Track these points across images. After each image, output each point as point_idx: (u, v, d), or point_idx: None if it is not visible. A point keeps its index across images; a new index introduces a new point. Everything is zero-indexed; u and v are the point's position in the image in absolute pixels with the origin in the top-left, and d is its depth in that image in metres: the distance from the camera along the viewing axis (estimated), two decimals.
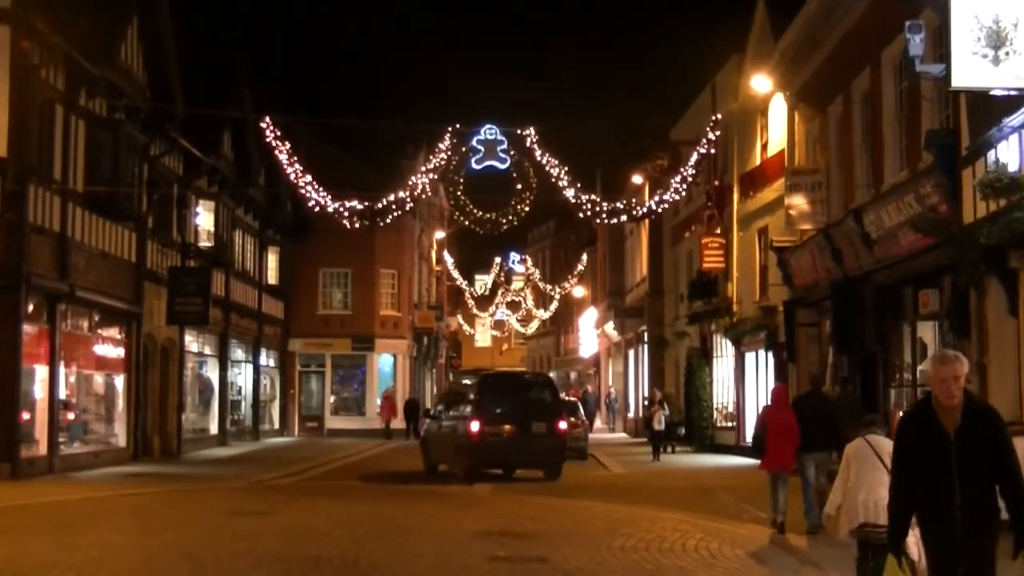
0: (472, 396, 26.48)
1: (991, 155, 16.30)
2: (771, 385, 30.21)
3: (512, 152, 31.55)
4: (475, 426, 25.42)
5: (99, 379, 29.45)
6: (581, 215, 32.81)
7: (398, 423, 49.20)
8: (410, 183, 32.03)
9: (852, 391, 22.11)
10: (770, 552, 14.28)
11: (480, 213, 33.86)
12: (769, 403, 17.73)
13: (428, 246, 65.88)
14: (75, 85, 26.32)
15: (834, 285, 24.08)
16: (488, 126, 31.28)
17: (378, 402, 51.83)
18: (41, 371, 25.44)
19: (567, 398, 46.79)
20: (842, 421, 16.31)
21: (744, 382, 34.90)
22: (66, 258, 25.91)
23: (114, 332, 30.16)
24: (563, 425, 26.78)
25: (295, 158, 31.29)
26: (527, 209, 32.92)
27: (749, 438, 21.53)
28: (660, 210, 33.48)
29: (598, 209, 31.66)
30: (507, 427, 25.67)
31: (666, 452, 34.28)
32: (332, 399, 52.65)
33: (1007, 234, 15.36)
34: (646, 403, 46.35)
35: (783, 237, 28.63)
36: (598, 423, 55.30)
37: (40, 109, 24.91)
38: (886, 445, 9.60)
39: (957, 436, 6.52)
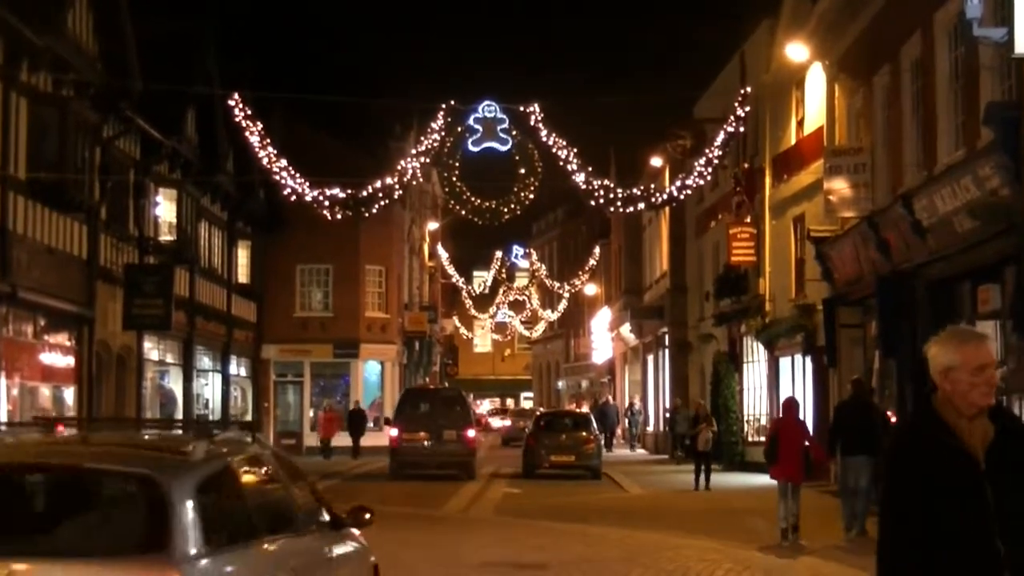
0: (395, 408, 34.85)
1: None
2: (810, 395, 30.24)
3: (514, 132, 31.44)
4: (393, 432, 34.79)
5: (45, 392, 29.29)
6: (593, 203, 32.70)
7: (344, 440, 47.83)
8: (399, 168, 31.92)
9: (866, 392, 22.30)
10: None
11: (478, 201, 33.76)
12: (780, 415, 20.91)
13: (420, 239, 65.79)
14: (15, 56, 26.16)
15: (880, 280, 23.97)
16: (487, 103, 31.18)
17: (311, 414, 51.15)
18: None
19: (579, 410, 46.79)
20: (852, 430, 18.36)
21: (778, 391, 34.77)
22: (6, 254, 25.77)
23: (62, 339, 30.02)
24: (471, 433, 34.94)
25: (268, 140, 31.18)
26: (531, 197, 32.82)
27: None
28: (682, 197, 33.35)
29: (612, 196, 31.53)
30: (422, 434, 34.32)
31: (706, 478, 29.98)
32: (311, 413, 52.57)
33: None
34: (667, 415, 46.30)
35: (822, 226, 28.51)
36: (619, 439, 55.12)
37: None
38: None
39: (989, 459, 4.69)
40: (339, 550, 8.32)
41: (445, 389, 42.79)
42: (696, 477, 29.75)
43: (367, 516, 8.63)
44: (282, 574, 7.20)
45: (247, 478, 7.55)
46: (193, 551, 6.25)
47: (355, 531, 8.74)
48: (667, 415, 53.17)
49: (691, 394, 46.49)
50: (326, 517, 8.35)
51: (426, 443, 34.37)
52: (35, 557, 6.25)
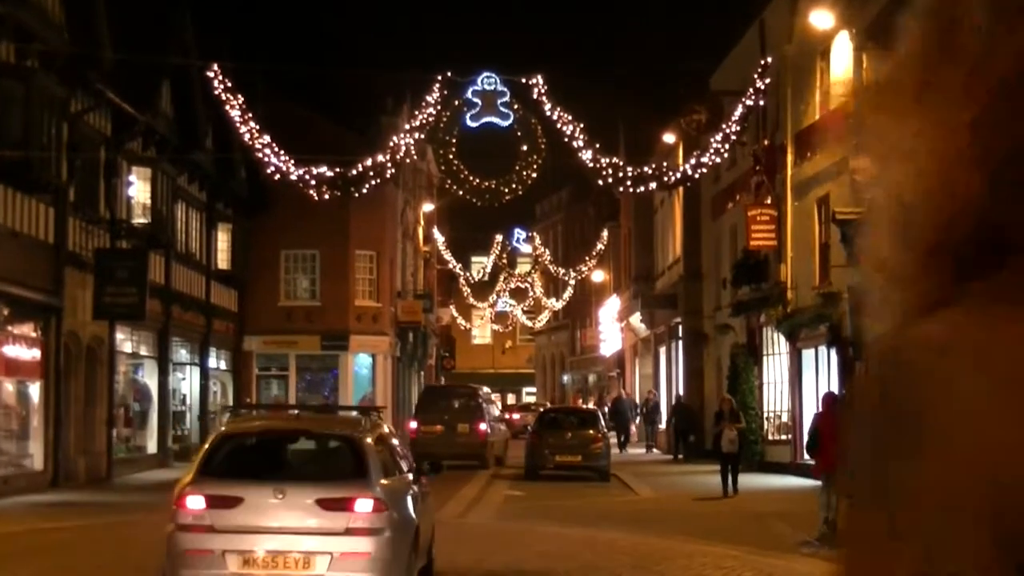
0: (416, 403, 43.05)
1: None
2: (837, 391, 30.18)
3: (516, 106, 31.43)
4: (412, 425, 40.61)
5: (9, 387, 29.30)
6: (600, 182, 32.70)
7: None
8: (391, 145, 31.90)
9: None
10: None
11: (477, 181, 33.76)
12: (820, 410, 22.29)
13: (414, 222, 65.73)
14: None
15: None
16: (486, 75, 31.17)
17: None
18: None
19: (587, 407, 46.77)
20: None
21: (801, 386, 34.72)
22: None
23: (27, 329, 30.00)
24: (483, 427, 39.43)
25: (250, 115, 31.18)
26: (535, 176, 32.82)
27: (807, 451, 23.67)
28: (697, 176, 33.32)
29: (621, 175, 31.51)
30: (438, 427, 39.16)
31: (734, 481, 29.05)
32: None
33: None
34: (642, 409, 46.46)
35: (848, 208, 28.44)
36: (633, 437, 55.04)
37: None
38: None
39: None
40: (424, 487, 15.10)
41: (462, 387, 46.69)
42: (724, 481, 28.67)
43: (432, 468, 18.33)
44: (409, 493, 13.83)
45: (386, 439, 14.47)
46: (375, 478, 13.03)
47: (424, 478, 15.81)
48: (642, 409, 53.25)
49: (706, 389, 46.46)
50: (414, 466, 15.05)
51: (441, 434, 39.10)
52: (295, 481, 13.31)
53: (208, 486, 12.93)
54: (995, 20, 1.07)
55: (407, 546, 13.19)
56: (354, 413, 17.57)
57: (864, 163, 1.18)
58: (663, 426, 51.41)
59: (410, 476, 14.50)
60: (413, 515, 13.62)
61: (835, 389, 26.02)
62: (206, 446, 14.09)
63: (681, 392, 50.08)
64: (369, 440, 13.60)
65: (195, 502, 12.82)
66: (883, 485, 1.07)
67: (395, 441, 15.06)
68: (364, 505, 12.66)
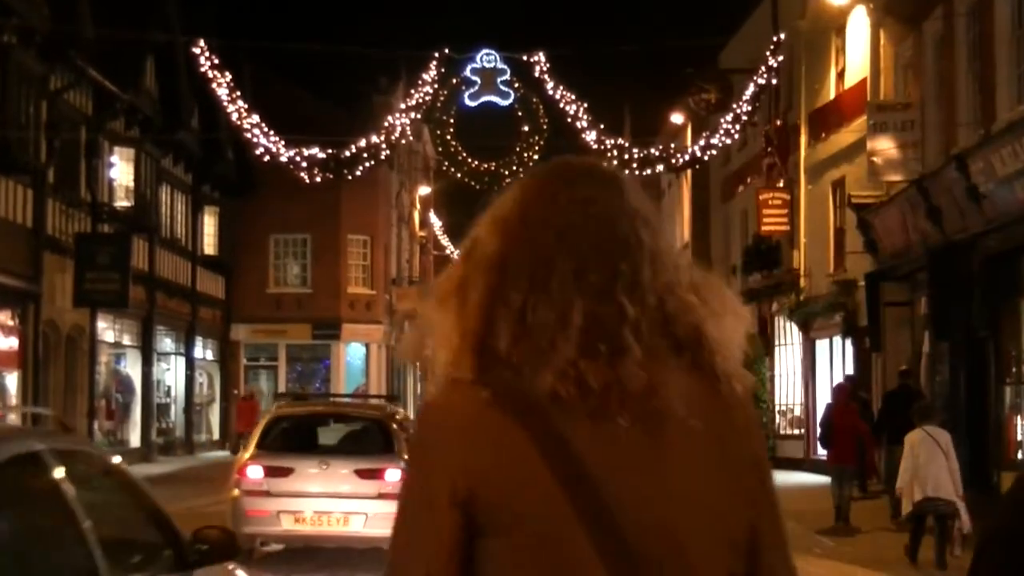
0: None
1: None
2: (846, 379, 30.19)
3: (516, 85, 31.38)
4: None
5: None
6: (605, 165, 32.63)
7: None
8: (386, 125, 31.85)
9: (914, 385, 23.26)
10: None
11: (476, 163, 33.72)
12: (831, 400, 23.08)
13: (409, 205, 65.73)
14: None
15: (931, 253, 23.92)
16: (485, 52, 31.10)
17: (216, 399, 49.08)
18: None
19: None
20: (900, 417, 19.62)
21: (815, 377, 34.73)
22: None
23: (4, 317, 30.01)
24: None
25: (238, 94, 31.11)
26: (536, 158, 32.75)
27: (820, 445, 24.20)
28: (706, 158, 33.28)
29: (627, 157, 31.47)
30: None
31: None
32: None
33: None
34: None
35: (864, 191, 28.44)
36: None
37: None
38: (942, 436, 16.75)
39: None
40: None
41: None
42: None
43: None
44: None
45: (403, 422, 17.35)
46: (401, 452, 15.57)
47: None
48: None
49: None
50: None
51: None
52: (336, 455, 16.73)
53: (265, 459, 16.52)
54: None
55: None
56: (380, 400, 24.02)
57: (412, 331, 2.47)
58: None
59: None
60: None
61: (853, 381, 25.97)
62: (260, 427, 17.79)
63: None
64: (393, 422, 17.32)
65: (254, 472, 16.38)
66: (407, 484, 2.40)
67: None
68: (393, 475, 15.59)
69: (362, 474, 15.96)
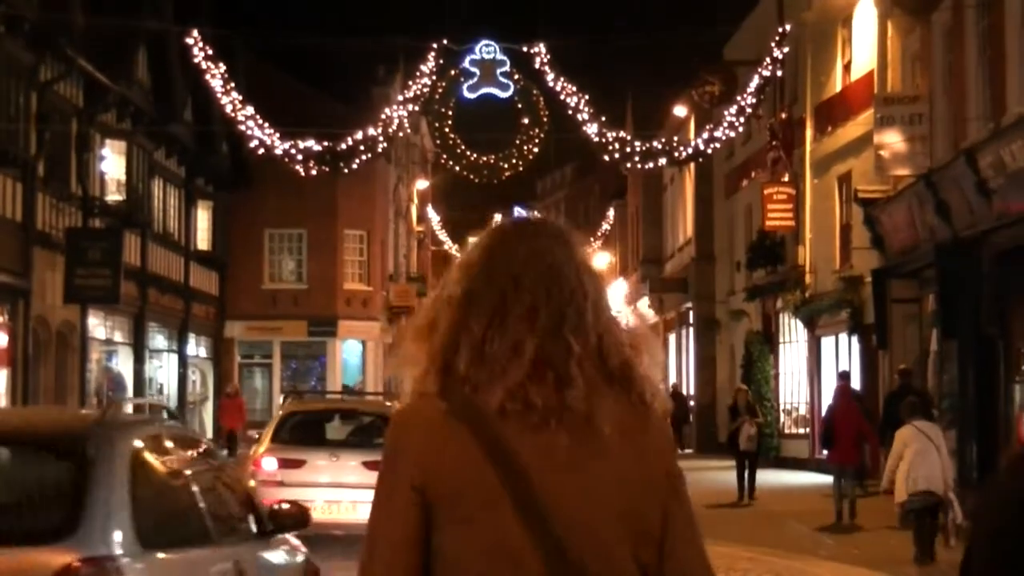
0: None
1: None
2: (856, 380, 30.20)
3: (516, 76, 31.33)
4: None
5: None
6: (607, 158, 32.61)
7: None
8: (383, 117, 31.81)
9: (915, 385, 23.65)
10: None
11: (475, 156, 33.65)
12: (832, 401, 23.68)
13: (407, 200, 65.68)
14: None
15: (939, 249, 23.90)
16: (485, 42, 31.07)
17: (281, 400, 48.42)
18: None
19: None
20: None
21: (820, 375, 34.73)
22: None
23: None
24: None
25: (232, 85, 31.07)
26: (536, 151, 32.71)
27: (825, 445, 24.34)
28: (710, 151, 33.26)
29: (629, 150, 31.44)
30: None
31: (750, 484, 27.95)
32: (281, 399, 52.52)
33: None
34: (670, 396, 46.35)
35: (871, 186, 28.45)
36: None
37: None
38: (932, 430, 17.35)
39: None
40: None
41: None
42: (740, 483, 27.47)
43: None
44: None
45: None
46: None
47: None
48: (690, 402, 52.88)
49: (718, 379, 46.46)
50: None
51: None
52: (344, 448, 18.88)
53: (278, 451, 18.08)
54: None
55: None
56: (378, 398, 25.90)
57: (400, 354, 3.10)
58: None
59: None
60: None
61: (848, 379, 25.98)
62: (274, 422, 19.65)
63: (674, 380, 50.23)
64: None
65: (269, 463, 17.95)
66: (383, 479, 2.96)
67: None
68: None
69: (369, 465, 16.58)
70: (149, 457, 7.37)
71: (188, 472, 7.75)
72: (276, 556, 8.29)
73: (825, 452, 23.86)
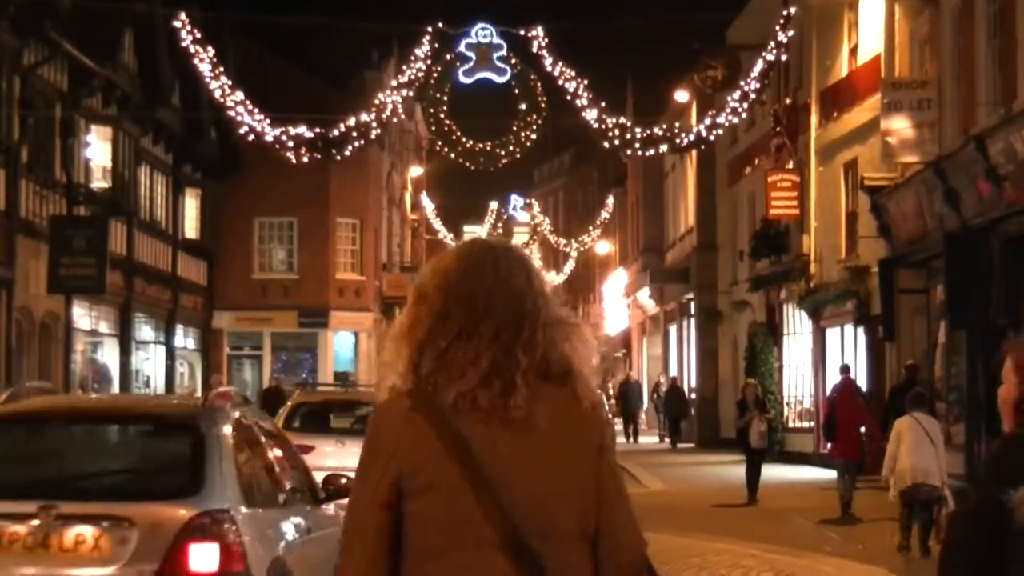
0: None
1: None
2: (862, 372, 30.26)
3: (513, 60, 31.29)
4: None
5: None
6: (606, 145, 32.57)
7: None
8: (376, 103, 31.77)
9: (920, 380, 24.02)
10: None
11: (470, 143, 33.63)
12: (833, 393, 24.38)
13: (401, 187, 65.65)
14: None
15: (948, 238, 23.91)
16: (481, 26, 31.02)
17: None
18: None
19: None
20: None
21: (825, 368, 34.72)
22: None
23: None
24: None
25: (221, 69, 31.01)
26: (533, 137, 32.68)
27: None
28: (712, 138, 33.23)
29: (629, 137, 31.41)
30: None
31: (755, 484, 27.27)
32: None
33: None
34: (668, 390, 46.52)
35: (878, 173, 28.44)
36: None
37: None
38: (930, 423, 17.69)
39: None
40: None
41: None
42: (749, 483, 26.78)
43: None
44: None
45: None
46: None
47: None
48: (653, 394, 52.83)
49: (721, 371, 46.44)
50: None
51: None
52: (350, 434, 20.16)
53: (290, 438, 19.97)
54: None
55: None
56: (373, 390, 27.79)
57: (383, 353, 3.91)
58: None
59: None
60: None
61: (849, 372, 26.01)
62: (285, 411, 22.00)
63: (673, 373, 50.20)
64: None
65: None
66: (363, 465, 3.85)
67: None
68: None
69: None
70: (242, 434, 9.55)
71: (267, 446, 10.07)
72: (327, 519, 10.21)
73: (828, 446, 23.89)
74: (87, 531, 8.43)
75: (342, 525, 3.92)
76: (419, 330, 3.83)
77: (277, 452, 10.32)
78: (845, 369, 26.21)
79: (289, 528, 9.59)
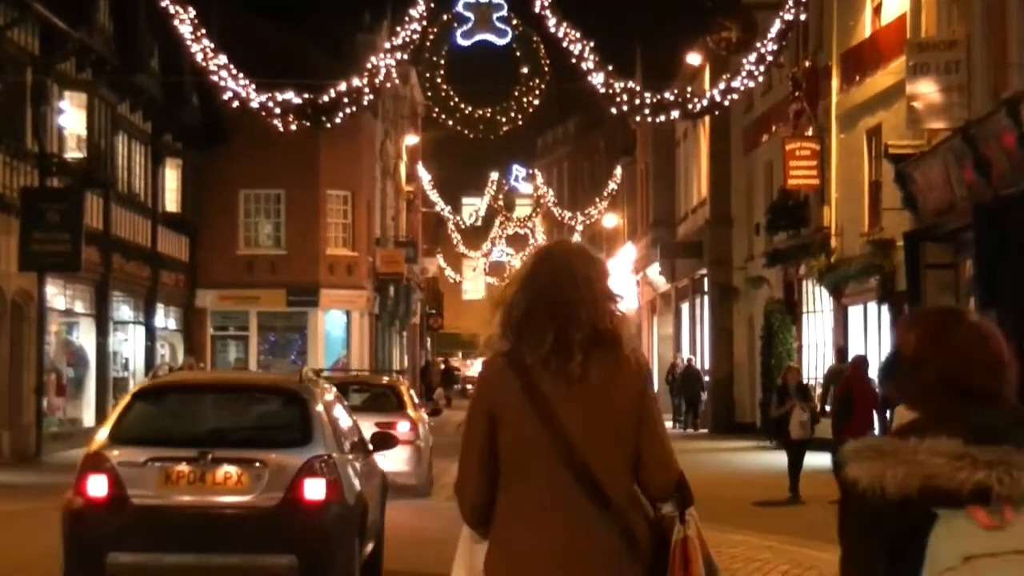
0: None
1: None
2: (886, 353, 30.20)
3: (515, 21, 31.29)
4: None
5: None
6: (614, 111, 32.56)
7: None
8: (369, 67, 31.75)
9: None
10: None
11: (469, 109, 33.66)
12: (849, 373, 25.02)
13: (395, 157, 65.65)
14: None
15: (978, 209, 23.90)
16: None
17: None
18: None
19: None
20: None
21: (847, 348, 34.74)
22: None
23: None
24: None
25: (203, 31, 31.00)
26: (536, 103, 32.70)
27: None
28: (727, 103, 33.24)
29: (638, 102, 31.40)
30: None
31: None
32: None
33: None
34: (683, 372, 46.48)
35: (903, 140, 28.45)
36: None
37: None
38: None
39: None
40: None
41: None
42: (792, 477, 25.92)
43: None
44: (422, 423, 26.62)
45: (407, 389, 28.38)
46: (410, 410, 25.76)
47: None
48: (668, 378, 52.24)
49: (736, 352, 46.49)
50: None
51: None
52: (360, 412, 19.94)
53: None
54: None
55: (428, 451, 25.22)
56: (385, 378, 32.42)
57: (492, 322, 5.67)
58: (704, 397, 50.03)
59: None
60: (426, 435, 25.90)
61: (872, 353, 26.26)
62: None
63: (686, 355, 50.13)
64: (403, 388, 27.01)
65: None
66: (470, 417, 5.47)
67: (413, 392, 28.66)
68: (403, 426, 23.29)
69: (380, 426, 19.74)
70: (329, 398, 13.99)
71: (340, 408, 14.57)
72: (375, 466, 15.12)
73: (840, 431, 23.93)
74: (232, 470, 12.44)
75: (461, 444, 5.48)
76: (508, 310, 5.41)
77: (343, 413, 14.56)
78: (862, 360, 25.68)
79: (360, 469, 13.61)
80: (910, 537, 3.67)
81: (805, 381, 38.38)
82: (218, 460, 12.42)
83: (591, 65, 30.91)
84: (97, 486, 12.45)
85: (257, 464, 12.44)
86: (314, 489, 12.45)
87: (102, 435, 12.99)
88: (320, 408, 13.12)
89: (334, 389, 15.39)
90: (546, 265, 5.48)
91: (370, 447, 14.83)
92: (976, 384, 3.90)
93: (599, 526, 5.33)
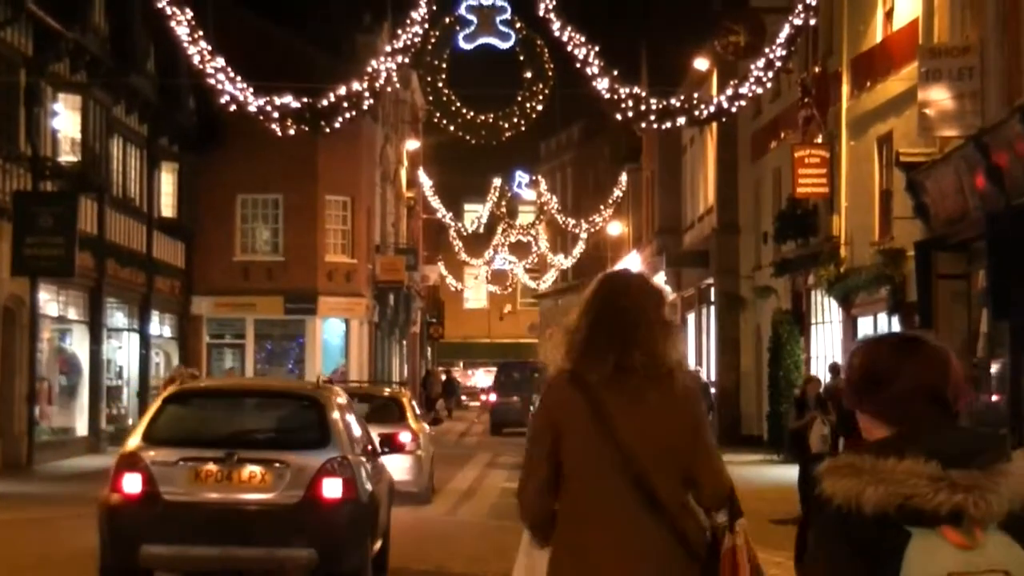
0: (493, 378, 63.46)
1: None
2: None
3: (518, 25, 31.29)
4: (492, 397, 58.64)
5: None
6: (619, 117, 32.54)
7: None
8: (369, 70, 31.75)
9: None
10: None
11: (471, 114, 33.66)
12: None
13: (395, 163, 65.67)
14: None
15: (991, 219, 23.87)
16: None
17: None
18: None
19: None
20: None
21: (840, 364, 34.72)
22: None
23: None
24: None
25: (200, 33, 31.00)
26: (540, 109, 32.70)
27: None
28: (734, 109, 33.20)
29: (643, 108, 31.38)
30: (514, 398, 53.64)
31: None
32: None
33: None
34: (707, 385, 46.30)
35: (915, 148, 28.40)
36: None
37: None
38: None
39: None
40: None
41: (530, 362, 57.13)
42: (803, 492, 25.94)
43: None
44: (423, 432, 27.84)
45: (409, 400, 29.56)
46: (411, 422, 26.88)
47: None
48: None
49: (743, 363, 46.47)
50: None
51: (517, 405, 51.87)
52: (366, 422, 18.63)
53: None
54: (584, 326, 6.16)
55: (428, 461, 26.55)
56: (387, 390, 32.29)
57: (552, 341, 6.36)
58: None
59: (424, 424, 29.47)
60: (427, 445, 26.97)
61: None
62: None
63: (693, 366, 50.09)
64: (405, 400, 27.79)
65: None
66: (534, 426, 6.36)
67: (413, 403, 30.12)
68: (404, 436, 24.64)
69: (383, 436, 20.41)
70: (343, 403, 15.45)
71: (353, 413, 15.93)
72: (384, 469, 16.50)
73: (842, 441, 23.62)
74: (257, 469, 13.77)
75: (525, 456, 6.14)
76: (574, 332, 6.02)
77: (355, 419, 15.83)
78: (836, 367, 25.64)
79: (372, 470, 15.01)
80: (885, 555, 3.80)
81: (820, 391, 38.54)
82: (243, 460, 13.77)
83: (595, 70, 30.90)
84: (132, 483, 13.79)
85: (279, 464, 13.80)
86: (332, 488, 13.73)
87: (136, 437, 14.52)
88: (336, 413, 14.57)
89: (346, 396, 16.78)
90: (606, 291, 6.11)
91: (379, 450, 16.48)
92: (950, 394, 4.12)
93: (653, 529, 5.91)
